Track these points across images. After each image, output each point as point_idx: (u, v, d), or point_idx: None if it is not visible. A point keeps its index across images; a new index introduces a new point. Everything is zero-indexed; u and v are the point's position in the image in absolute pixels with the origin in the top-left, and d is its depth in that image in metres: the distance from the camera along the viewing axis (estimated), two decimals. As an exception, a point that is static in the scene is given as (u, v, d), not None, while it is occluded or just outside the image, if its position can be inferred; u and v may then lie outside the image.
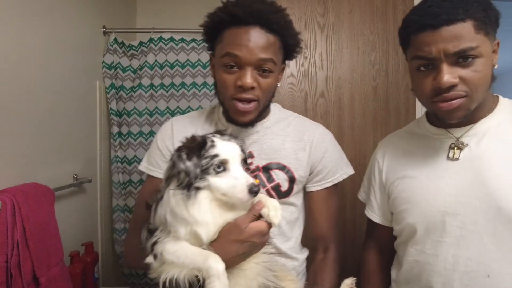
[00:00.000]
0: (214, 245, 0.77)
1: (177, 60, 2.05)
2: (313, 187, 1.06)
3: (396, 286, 1.04)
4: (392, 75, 1.74)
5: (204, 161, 0.74)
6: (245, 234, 0.77)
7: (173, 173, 0.76)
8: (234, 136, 0.83)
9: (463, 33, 0.79)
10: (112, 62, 1.95)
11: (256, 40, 0.90)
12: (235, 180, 0.74)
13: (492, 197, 0.82)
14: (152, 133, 2.02)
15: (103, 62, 1.93)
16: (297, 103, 1.75)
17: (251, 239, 0.78)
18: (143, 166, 1.08)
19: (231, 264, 0.77)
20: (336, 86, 1.75)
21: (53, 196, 1.30)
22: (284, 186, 1.01)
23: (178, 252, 0.75)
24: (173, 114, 2.04)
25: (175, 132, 1.05)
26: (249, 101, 0.93)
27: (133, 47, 2.09)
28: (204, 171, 0.75)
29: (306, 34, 1.74)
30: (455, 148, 0.90)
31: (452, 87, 0.81)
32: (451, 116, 0.85)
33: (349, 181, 1.14)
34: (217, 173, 0.75)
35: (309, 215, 1.11)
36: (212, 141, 0.77)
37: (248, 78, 0.90)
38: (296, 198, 1.06)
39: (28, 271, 1.08)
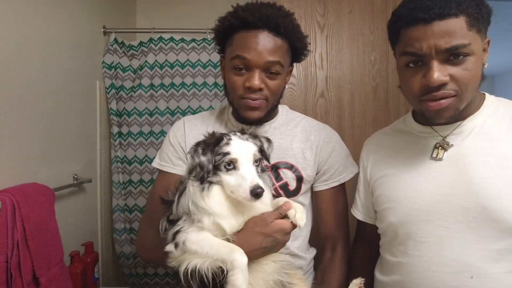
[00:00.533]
0: (239, 235, 0.80)
1: (177, 60, 2.05)
2: (320, 186, 1.09)
3: (379, 287, 1.03)
4: (392, 75, 1.74)
5: (217, 158, 0.78)
6: (270, 228, 0.80)
7: (193, 166, 0.80)
8: (253, 136, 0.84)
9: (455, 29, 0.75)
10: (112, 62, 1.95)
11: (265, 43, 0.93)
12: (241, 180, 0.75)
13: (476, 196, 0.81)
14: (152, 133, 2.02)
15: (103, 62, 1.93)
16: (297, 103, 1.75)
17: (275, 235, 0.80)
18: (155, 163, 1.11)
19: (252, 257, 0.79)
20: (336, 86, 1.75)
21: (53, 196, 1.30)
22: (292, 185, 1.04)
23: (202, 242, 0.76)
24: (173, 114, 2.05)
25: (187, 129, 1.09)
26: (257, 100, 0.97)
27: (133, 47, 2.09)
28: (217, 167, 0.78)
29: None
30: (440, 148, 0.88)
31: (442, 85, 0.78)
32: (439, 116, 0.83)
33: (349, 182, 1.14)
34: (228, 170, 0.78)
35: (316, 214, 1.13)
36: (229, 138, 0.80)
37: (256, 79, 0.94)
38: (304, 198, 1.08)
39: (28, 271, 1.08)
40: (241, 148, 0.78)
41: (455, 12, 0.75)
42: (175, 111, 2.05)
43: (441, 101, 0.80)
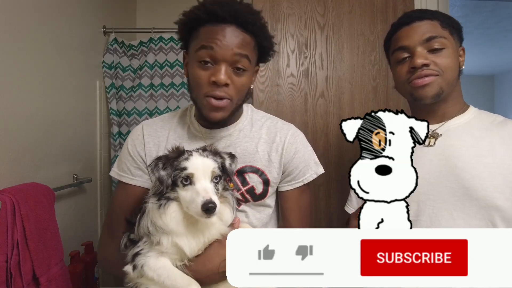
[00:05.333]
0: (196, 260, 0.80)
1: (177, 60, 2.05)
2: (284, 187, 1.06)
3: None
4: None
5: (175, 172, 0.77)
6: (226, 249, 0.77)
7: (155, 182, 0.80)
8: (214, 152, 0.83)
9: (431, 27, 1.00)
10: (112, 62, 1.95)
11: (232, 37, 0.90)
12: (195, 195, 0.74)
13: (460, 178, 0.93)
14: (152, 133, 2.02)
15: (103, 61, 1.93)
16: (297, 103, 1.75)
17: None
18: (113, 172, 1.05)
19: (210, 282, 0.79)
20: (336, 86, 1.75)
21: (53, 196, 1.30)
22: (259, 189, 1.01)
23: (160, 270, 0.76)
24: (173, 114, 2.05)
25: (146, 137, 1.03)
26: (222, 98, 0.92)
27: (133, 47, 2.09)
28: (174, 183, 0.77)
29: (306, 34, 1.74)
30: (431, 137, 1.03)
31: (425, 66, 0.98)
32: (425, 92, 0.99)
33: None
34: (184, 186, 0.77)
35: (281, 214, 1.11)
36: (190, 154, 0.79)
37: (222, 74, 0.89)
38: (271, 199, 1.06)
39: (28, 271, 1.08)
40: (198, 164, 0.77)
41: (430, 17, 1.01)
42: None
43: (425, 78, 0.98)
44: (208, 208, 0.72)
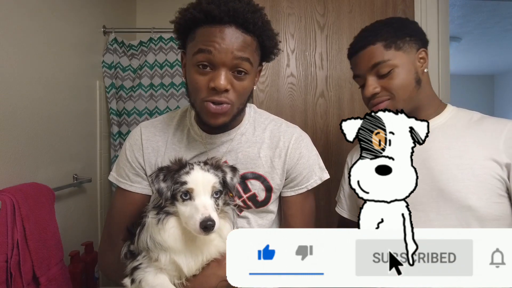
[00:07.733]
0: (194, 279, 0.79)
1: (177, 59, 2.05)
2: (287, 193, 1.02)
3: None
4: (392, 75, 1.74)
5: (175, 186, 0.76)
6: (224, 270, 0.72)
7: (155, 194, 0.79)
8: (216, 166, 0.81)
9: (374, 53, 1.01)
10: (112, 62, 1.95)
11: (232, 39, 0.83)
12: (194, 211, 0.73)
13: (436, 180, 0.96)
14: (152, 133, 2.02)
15: (103, 61, 1.93)
16: (297, 103, 1.75)
17: None
18: (112, 177, 1.01)
19: None
20: (336, 86, 1.75)
21: (53, 196, 1.30)
22: (261, 196, 0.98)
23: None
24: (173, 114, 2.05)
25: (144, 141, 0.99)
26: (222, 103, 0.87)
27: (133, 47, 2.09)
28: (174, 197, 0.76)
29: (306, 34, 1.74)
30: None
31: (375, 94, 1.01)
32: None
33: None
34: (184, 200, 0.75)
35: (283, 220, 1.08)
36: (191, 168, 0.78)
37: (222, 79, 0.83)
38: (274, 205, 1.04)
39: (28, 270, 1.08)
40: (199, 179, 0.76)
41: (371, 41, 1.02)
42: (175, 111, 2.05)
43: (379, 104, 1.02)
44: (207, 226, 0.70)
